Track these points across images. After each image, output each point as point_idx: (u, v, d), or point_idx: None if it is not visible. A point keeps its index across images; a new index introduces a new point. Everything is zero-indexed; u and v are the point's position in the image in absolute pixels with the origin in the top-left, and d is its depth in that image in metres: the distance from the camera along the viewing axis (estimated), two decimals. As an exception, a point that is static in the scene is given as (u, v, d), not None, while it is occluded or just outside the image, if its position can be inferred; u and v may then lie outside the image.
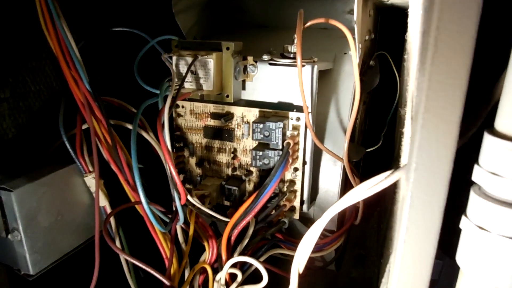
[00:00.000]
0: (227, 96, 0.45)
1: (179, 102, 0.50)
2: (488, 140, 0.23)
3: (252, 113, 0.47)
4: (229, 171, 0.51)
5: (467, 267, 0.25)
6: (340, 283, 0.62)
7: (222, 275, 0.45)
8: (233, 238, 0.45)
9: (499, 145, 0.23)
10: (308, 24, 0.42)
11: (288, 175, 0.47)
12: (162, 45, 0.49)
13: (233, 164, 0.50)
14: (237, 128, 0.49)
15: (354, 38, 0.43)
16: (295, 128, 0.45)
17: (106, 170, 0.45)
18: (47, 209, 0.41)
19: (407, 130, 0.39)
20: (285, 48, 0.47)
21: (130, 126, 0.45)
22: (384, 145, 0.62)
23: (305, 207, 0.49)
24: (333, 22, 0.42)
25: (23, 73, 0.45)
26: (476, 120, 0.28)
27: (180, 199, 0.42)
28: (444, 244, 0.26)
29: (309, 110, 0.44)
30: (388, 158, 0.63)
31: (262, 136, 0.45)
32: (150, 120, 0.45)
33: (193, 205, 0.45)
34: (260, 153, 0.45)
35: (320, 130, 0.51)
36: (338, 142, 0.51)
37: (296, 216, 0.49)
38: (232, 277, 0.46)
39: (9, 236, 0.39)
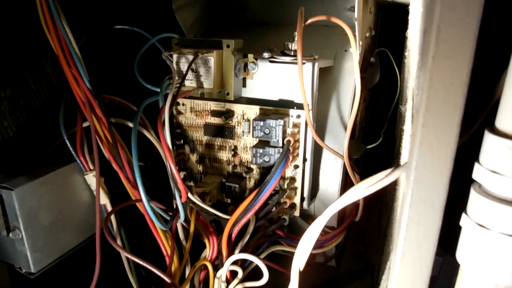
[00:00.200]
0: (228, 94, 0.45)
1: (180, 100, 0.50)
2: (488, 138, 0.23)
3: (253, 111, 0.47)
4: (229, 169, 0.51)
5: (467, 265, 0.26)
6: (340, 279, 0.62)
7: (223, 273, 0.45)
8: (233, 235, 0.45)
9: (499, 144, 0.23)
10: (309, 21, 0.42)
11: (289, 172, 0.48)
12: (162, 43, 0.49)
13: (233, 161, 0.50)
14: (238, 125, 0.49)
15: (354, 36, 0.43)
16: (296, 125, 0.45)
17: (107, 168, 0.45)
18: (48, 207, 0.41)
19: (407, 127, 0.39)
20: (286, 46, 0.47)
21: (131, 124, 0.45)
22: (384, 142, 0.62)
23: (305, 204, 0.49)
24: (334, 19, 0.42)
25: (24, 72, 0.45)
26: (477, 119, 0.28)
27: (180, 197, 0.42)
28: (444, 241, 0.26)
29: (310, 107, 0.44)
30: (389, 155, 0.63)
31: (262, 133, 0.45)
32: (151, 118, 0.45)
33: (194, 203, 0.45)
34: (261, 150, 0.45)
35: (320, 127, 0.51)
36: (339, 139, 0.51)
37: (297, 213, 0.49)
38: (233, 274, 0.46)
39: (10, 235, 0.39)
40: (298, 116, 0.45)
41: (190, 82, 0.45)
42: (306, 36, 0.42)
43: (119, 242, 0.47)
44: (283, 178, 0.48)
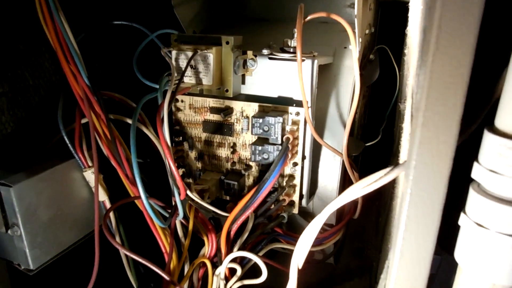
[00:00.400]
0: (227, 90, 0.45)
1: (179, 97, 0.50)
2: (488, 137, 0.23)
3: (252, 108, 0.47)
4: (228, 166, 0.51)
5: (465, 264, 0.26)
6: (338, 277, 0.62)
7: (222, 270, 0.45)
8: (232, 232, 0.45)
9: (499, 143, 0.23)
10: (308, 18, 0.42)
11: (287, 170, 0.48)
12: (161, 39, 0.49)
13: (232, 158, 0.50)
14: (237, 122, 0.48)
15: (354, 33, 0.43)
16: (295, 123, 0.45)
17: (106, 165, 0.45)
18: (46, 204, 0.41)
19: (406, 125, 0.39)
20: (285, 42, 0.46)
21: (130, 121, 0.45)
22: (383, 139, 0.62)
23: (304, 201, 0.49)
24: (334, 16, 0.42)
25: (22, 68, 0.44)
26: (477, 118, 0.28)
27: (179, 194, 0.42)
28: (442, 240, 0.26)
29: (309, 104, 0.44)
30: (387, 153, 0.63)
31: (261, 131, 0.45)
32: (150, 115, 0.45)
33: (193, 200, 0.45)
34: (260, 148, 0.45)
35: (319, 124, 0.51)
36: (338, 136, 0.50)
37: (295, 210, 0.49)
38: (232, 271, 0.46)
39: (9, 231, 0.39)
40: (297, 114, 0.45)
41: (189, 79, 0.45)
42: (306, 32, 0.41)
43: (118, 239, 0.47)
44: (282, 175, 0.48)
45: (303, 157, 0.47)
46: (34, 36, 0.45)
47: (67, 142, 0.43)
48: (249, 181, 0.50)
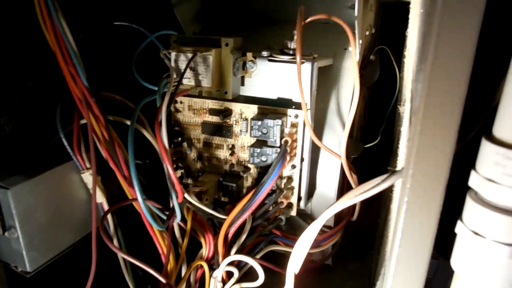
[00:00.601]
0: (226, 92, 0.45)
1: (178, 98, 0.50)
2: (485, 146, 0.23)
3: (251, 110, 0.47)
4: (227, 167, 0.51)
5: (461, 271, 0.26)
6: (336, 277, 0.62)
7: (219, 273, 0.45)
8: (230, 235, 0.45)
9: (496, 152, 0.22)
10: (309, 20, 0.42)
11: (286, 172, 0.47)
12: (160, 40, 0.48)
13: (231, 160, 0.50)
14: (235, 124, 0.48)
15: (354, 34, 0.42)
16: (294, 125, 0.45)
17: (104, 167, 0.45)
18: (44, 206, 0.41)
19: (404, 129, 0.39)
20: (285, 44, 0.46)
21: (129, 123, 0.44)
22: (382, 141, 0.62)
23: (302, 203, 0.49)
24: (334, 18, 0.42)
25: (20, 69, 0.44)
26: (474, 126, 0.28)
27: (177, 197, 0.42)
28: (439, 245, 0.26)
29: (308, 107, 0.44)
30: (387, 154, 0.63)
31: (260, 133, 0.45)
32: (149, 116, 0.45)
33: (190, 203, 0.45)
34: (258, 150, 0.45)
35: (318, 126, 0.51)
36: (337, 138, 0.50)
37: (293, 212, 0.49)
38: (229, 274, 0.46)
39: (6, 234, 0.39)
40: (296, 116, 0.45)
41: (188, 81, 0.44)
42: (305, 33, 0.41)
43: (115, 242, 0.47)
44: (280, 177, 0.48)
45: (302, 160, 0.47)
46: (32, 37, 0.45)
47: (65, 144, 0.43)
48: (248, 183, 0.50)
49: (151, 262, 0.43)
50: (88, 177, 0.44)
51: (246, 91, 0.48)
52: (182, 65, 0.44)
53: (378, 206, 0.66)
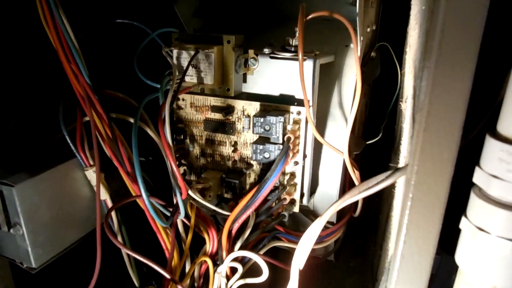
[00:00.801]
0: (228, 89, 0.45)
1: (180, 95, 0.50)
2: (489, 142, 0.23)
3: (253, 107, 0.47)
4: (229, 164, 0.51)
5: (466, 267, 0.26)
6: (338, 273, 0.63)
7: (223, 269, 0.45)
8: (233, 231, 0.45)
9: (500, 148, 0.23)
10: (310, 16, 0.42)
11: (289, 168, 0.48)
12: (162, 38, 0.48)
13: (233, 157, 0.50)
14: (238, 121, 0.48)
15: (355, 31, 0.43)
16: (296, 122, 0.45)
17: (107, 164, 0.45)
18: (48, 203, 0.42)
19: (406, 126, 0.39)
20: (287, 41, 0.46)
21: (131, 120, 0.45)
22: (384, 137, 0.62)
23: (305, 200, 0.49)
24: (336, 15, 0.42)
25: (23, 67, 0.44)
26: (478, 122, 0.28)
27: (181, 194, 0.42)
28: (442, 240, 0.27)
29: (310, 104, 0.44)
30: (388, 150, 0.63)
31: (262, 130, 0.45)
32: (151, 113, 0.45)
33: (194, 199, 0.45)
34: (261, 147, 0.45)
35: (320, 123, 0.51)
36: (339, 134, 0.51)
37: (296, 209, 0.49)
38: (233, 270, 0.46)
39: (11, 231, 0.39)
40: (299, 113, 0.45)
41: (190, 78, 0.44)
42: (307, 30, 0.41)
43: (119, 238, 0.47)
44: (282, 173, 0.48)
45: (304, 156, 0.47)
46: (34, 35, 0.45)
47: (69, 141, 0.43)
48: (250, 179, 0.50)
49: (155, 258, 0.43)
50: (91, 174, 0.45)
51: (248, 88, 0.48)
52: (184, 62, 0.44)
53: (380, 202, 0.66)
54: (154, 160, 0.52)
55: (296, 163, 0.47)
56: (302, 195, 0.49)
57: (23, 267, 0.42)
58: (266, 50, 0.46)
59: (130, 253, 0.44)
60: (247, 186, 0.50)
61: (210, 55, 0.43)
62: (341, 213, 0.54)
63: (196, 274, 0.48)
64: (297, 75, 0.44)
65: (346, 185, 0.55)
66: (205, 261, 0.46)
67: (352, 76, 0.51)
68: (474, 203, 0.25)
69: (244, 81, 0.48)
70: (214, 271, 0.46)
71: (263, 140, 0.46)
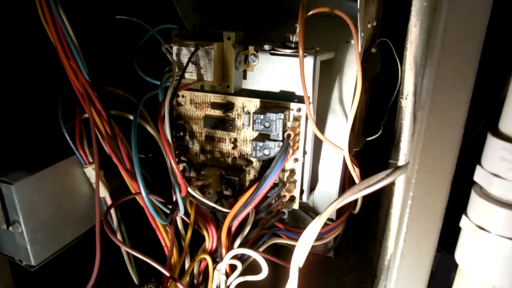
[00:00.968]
0: (228, 86, 0.45)
1: (179, 92, 0.49)
2: (491, 141, 0.23)
3: (253, 104, 0.47)
4: (229, 161, 0.51)
5: (466, 265, 0.26)
6: (338, 269, 0.63)
7: (222, 266, 0.45)
8: (233, 228, 0.45)
9: (502, 147, 0.22)
10: (311, 13, 0.42)
11: (288, 165, 0.48)
12: (161, 34, 0.48)
13: (233, 154, 0.50)
14: (238, 118, 0.48)
15: (356, 27, 0.42)
16: (296, 119, 0.45)
17: (107, 161, 0.45)
18: (47, 201, 0.42)
19: (407, 123, 0.39)
20: (287, 37, 0.46)
21: (131, 117, 0.44)
22: (384, 134, 0.62)
23: (304, 196, 0.49)
24: (336, 11, 0.41)
25: (22, 63, 0.44)
26: (480, 121, 0.28)
27: (180, 191, 0.42)
28: (442, 239, 0.27)
29: (310, 100, 0.44)
30: (388, 147, 0.63)
31: (262, 127, 0.45)
32: (150, 110, 0.45)
33: (193, 197, 0.45)
34: (261, 144, 0.45)
35: (320, 119, 0.50)
36: (339, 131, 0.50)
37: (296, 206, 0.49)
38: (232, 267, 0.46)
39: (10, 228, 0.39)
40: (299, 110, 0.45)
41: (190, 75, 0.44)
42: (307, 26, 0.41)
43: (119, 236, 0.47)
44: (282, 170, 0.48)
45: (304, 153, 0.47)
46: (33, 31, 0.45)
47: (68, 138, 0.43)
48: (250, 176, 0.50)
49: (155, 256, 0.43)
50: (91, 172, 0.45)
51: (248, 84, 0.48)
52: (184, 59, 0.43)
53: (380, 198, 0.66)
54: (154, 157, 0.51)
55: (296, 160, 0.47)
56: (301, 192, 0.49)
57: (22, 264, 0.42)
58: (266, 47, 0.46)
59: (129, 250, 0.43)
60: (247, 183, 0.50)
61: (210, 51, 0.42)
62: (340, 210, 0.54)
63: (195, 271, 0.48)
64: (297, 72, 0.43)
65: (346, 182, 0.55)
66: (205, 259, 0.46)
67: (352, 72, 0.50)
68: (475, 202, 0.25)
69: (244, 77, 0.48)
70: (214, 269, 0.46)
71: (263, 137, 0.46)
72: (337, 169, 0.52)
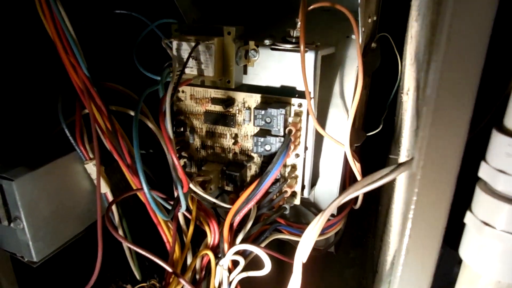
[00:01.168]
0: (228, 81, 0.45)
1: (180, 87, 0.49)
2: (496, 137, 0.23)
3: (254, 99, 0.47)
4: (230, 157, 0.51)
5: (470, 261, 0.26)
6: (338, 264, 0.63)
7: (225, 262, 0.45)
8: (235, 224, 0.45)
9: (507, 143, 0.22)
10: (312, 7, 0.42)
11: (290, 161, 0.47)
12: (161, 29, 0.48)
13: (234, 149, 0.50)
14: (238, 113, 0.48)
15: (357, 22, 0.42)
16: (297, 114, 0.45)
17: (107, 157, 0.45)
18: (48, 197, 0.41)
19: (408, 118, 0.39)
20: (288, 32, 0.46)
21: (132, 113, 0.44)
22: (384, 129, 0.62)
23: (305, 192, 0.49)
24: (337, 6, 0.41)
25: (21, 59, 0.44)
26: (484, 116, 0.28)
27: (182, 187, 0.42)
28: (446, 235, 0.27)
29: (312, 95, 0.44)
30: (388, 142, 0.63)
31: (263, 122, 0.44)
32: (151, 106, 0.45)
33: (195, 192, 0.45)
34: (262, 139, 0.45)
35: (321, 114, 0.50)
36: (340, 127, 0.50)
37: (297, 201, 0.49)
38: (235, 262, 0.46)
39: (12, 225, 0.39)
40: (300, 105, 0.45)
41: (190, 70, 0.44)
42: (307, 21, 0.41)
43: (120, 232, 0.47)
44: (284, 165, 0.48)
45: (306, 148, 0.47)
46: (32, 27, 0.44)
47: (68, 134, 0.43)
48: (251, 171, 0.50)
49: (157, 252, 0.43)
50: (91, 168, 0.44)
51: (249, 80, 0.48)
52: (184, 54, 0.43)
53: (380, 193, 0.67)
54: (155, 152, 0.51)
55: (297, 155, 0.47)
56: (303, 187, 0.49)
57: (24, 261, 0.42)
58: (267, 42, 0.46)
59: (131, 246, 0.43)
60: (248, 179, 0.50)
61: (210, 46, 0.42)
62: (341, 205, 0.54)
63: (197, 267, 0.48)
64: (298, 67, 0.43)
65: (347, 177, 0.55)
66: (207, 254, 0.46)
67: (353, 67, 0.50)
68: (479, 198, 0.24)
69: (245, 72, 0.47)
70: (216, 264, 0.46)
71: (264, 132, 0.46)
72: (338, 165, 0.52)
